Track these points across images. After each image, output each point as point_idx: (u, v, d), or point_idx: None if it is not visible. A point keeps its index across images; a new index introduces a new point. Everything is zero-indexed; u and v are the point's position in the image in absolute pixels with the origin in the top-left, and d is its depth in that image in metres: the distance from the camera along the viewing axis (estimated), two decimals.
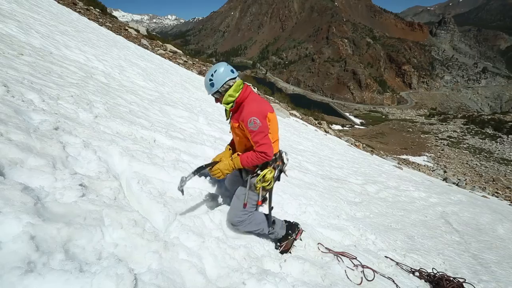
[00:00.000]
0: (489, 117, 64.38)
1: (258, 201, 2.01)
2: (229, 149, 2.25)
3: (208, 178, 2.76)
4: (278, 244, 2.23)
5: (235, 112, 1.98)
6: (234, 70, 1.95)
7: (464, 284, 2.57)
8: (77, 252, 1.15)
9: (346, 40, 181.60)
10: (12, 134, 1.68)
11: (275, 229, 2.19)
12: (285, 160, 2.06)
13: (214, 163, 2.04)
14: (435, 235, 5.12)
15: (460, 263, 3.95)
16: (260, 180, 1.94)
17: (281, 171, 2.08)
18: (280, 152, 2.08)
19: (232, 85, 1.92)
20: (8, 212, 1.08)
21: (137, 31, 24.21)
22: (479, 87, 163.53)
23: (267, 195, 2.11)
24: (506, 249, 5.61)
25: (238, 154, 1.99)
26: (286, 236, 2.27)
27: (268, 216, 2.14)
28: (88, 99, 3.57)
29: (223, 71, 1.90)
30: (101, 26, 16.95)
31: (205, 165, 2.02)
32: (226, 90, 1.92)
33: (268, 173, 1.95)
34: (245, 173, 2.08)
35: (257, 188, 1.97)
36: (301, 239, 2.41)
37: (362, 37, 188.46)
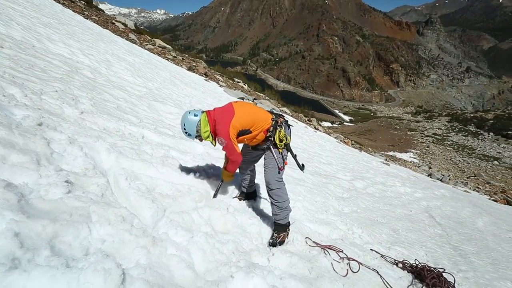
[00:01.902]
0: (471, 115, 66.71)
1: (285, 162, 2.36)
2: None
3: (197, 174, 2.77)
4: (276, 235, 2.30)
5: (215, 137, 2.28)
6: (196, 112, 2.24)
7: (443, 273, 2.69)
8: (63, 248, 1.14)
9: (336, 38, 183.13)
10: None
11: (288, 211, 2.36)
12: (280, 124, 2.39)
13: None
14: (419, 228, 5.30)
15: (441, 255, 4.13)
16: (278, 141, 2.29)
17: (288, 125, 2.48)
18: (273, 119, 2.38)
19: (201, 124, 2.21)
20: None
21: (125, 25, 23.60)
22: (463, 86, 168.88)
23: (286, 155, 2.44)
24: (484, 240, 5.89)
25: (224, 167, 2.46)
26: (286, 226, 2.37)
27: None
28: (73, 95, 3.48)
29: (190, 120, 2.20)
30: (87, 19, 16.42)
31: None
32: (200, 131, 2.23)
33: (278, 132, 2.32)
34: (260, 148, 2.43)
35: (280, 149, 2.33)
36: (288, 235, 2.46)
37: (351, 35, 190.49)
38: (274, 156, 2.32)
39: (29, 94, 2.68)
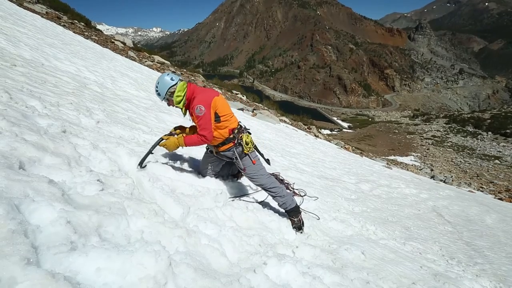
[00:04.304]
0: (468, 116, 66.99)
1: (253, 161, 2.48)
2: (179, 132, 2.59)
3: (213, 177, 2.82)
4: (295, 219, 2.43)
5: (188, 107, 2.39)
6: (174, 77, 2.35)
7: None
8: (108, 237, 1.19)
9: (330, 47, 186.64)
10: (26, 135, 1.71)
11: (289, 195, 2.48)
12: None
13: (160, 140, 2.38)
14: (429, 226, 5.30)
15: (455, 249, 4.12)
16: (245, 144, 2.41)
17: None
18: (240, 124, 2.53)
19: (174, 90, 2.29)
20: (40, 201, 1.12)
21: (124, 43, 24.13)
22: (458, 87, 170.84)
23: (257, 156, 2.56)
24: (495, 236, 5.86)
25: (183, 135, 2.39)
26: (297, 208, 2.48)
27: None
28: (86, 106, 3.58)
29: (165, 81, 2.29)
30: (87, 39, 16.83)
31: (156, 143, 2.35)
32: (172, 95, 2.30)
33: (245, 137, 2.45)
34: (224, 155, 2.53)
35: (246, 150, 2.44)
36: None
37: (345, 44, 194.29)
38: (250, 159, 2.47)
39: (48, 106, 2.78)
